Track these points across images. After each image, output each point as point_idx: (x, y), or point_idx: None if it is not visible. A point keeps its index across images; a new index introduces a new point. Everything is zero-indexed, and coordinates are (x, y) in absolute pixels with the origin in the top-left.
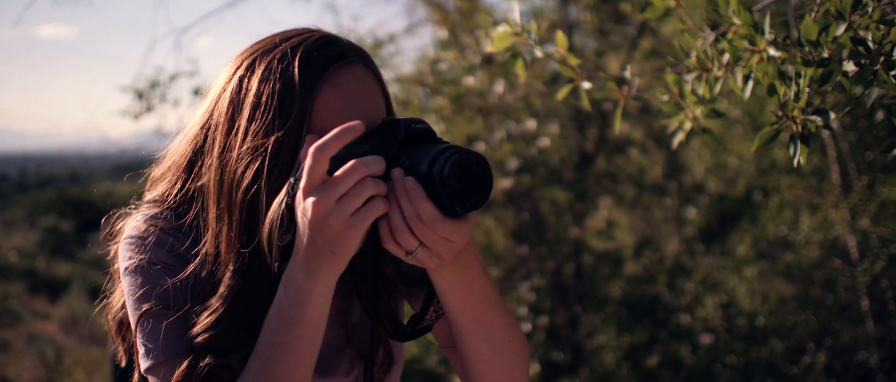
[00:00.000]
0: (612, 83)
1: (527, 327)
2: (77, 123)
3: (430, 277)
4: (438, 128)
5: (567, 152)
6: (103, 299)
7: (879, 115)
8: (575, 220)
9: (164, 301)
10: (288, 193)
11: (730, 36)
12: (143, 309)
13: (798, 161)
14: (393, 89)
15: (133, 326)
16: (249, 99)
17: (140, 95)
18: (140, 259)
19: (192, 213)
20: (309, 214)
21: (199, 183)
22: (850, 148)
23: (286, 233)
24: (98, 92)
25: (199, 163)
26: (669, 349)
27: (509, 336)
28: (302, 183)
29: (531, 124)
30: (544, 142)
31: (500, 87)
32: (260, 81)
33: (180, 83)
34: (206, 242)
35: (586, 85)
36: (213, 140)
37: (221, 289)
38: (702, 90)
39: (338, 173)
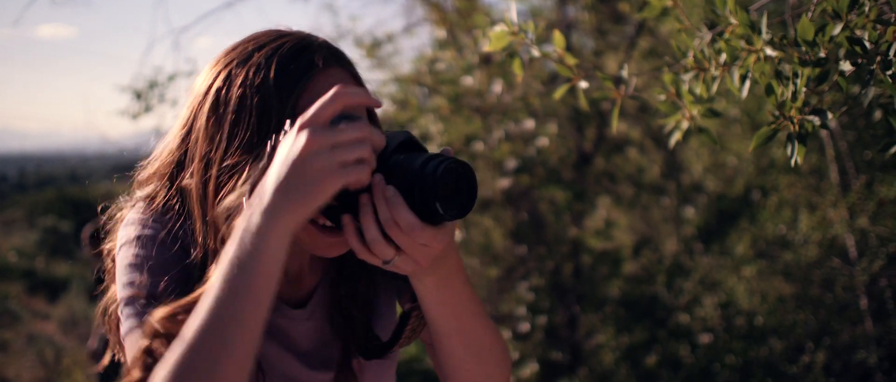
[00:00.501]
0: (609, 82)
1: (525, 326)
2: (76, 123)
3: (413, 285)
4: (437, 128)
5: (566, 152)
6: (101, 294)
7: (877, 114)
8: (573, 220)
9: (154, 295)
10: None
11: (727, 35)
12: (131, 294)
13: (795, 161)
14: (391, 89)
15: (119, 307)
16: (228, 116)
17: (138, 96)
18: (135, 254)
19: (178, 220)
20: (297, 148)
21: (182, 190)
22: (848, 147)
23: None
24: (97, 92)
25: (182, 175)
26: (668, 348)
27: (491, 344)
28: (307, 115)
29: (529, 124)
30: (543, 142)
31: (498, 86)
32: (238, 97)
33: (179, 83)
34: (195, 252)
35: (584, 84)
36: (194, 154)
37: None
38: (699, 90)
39: (343, 124)
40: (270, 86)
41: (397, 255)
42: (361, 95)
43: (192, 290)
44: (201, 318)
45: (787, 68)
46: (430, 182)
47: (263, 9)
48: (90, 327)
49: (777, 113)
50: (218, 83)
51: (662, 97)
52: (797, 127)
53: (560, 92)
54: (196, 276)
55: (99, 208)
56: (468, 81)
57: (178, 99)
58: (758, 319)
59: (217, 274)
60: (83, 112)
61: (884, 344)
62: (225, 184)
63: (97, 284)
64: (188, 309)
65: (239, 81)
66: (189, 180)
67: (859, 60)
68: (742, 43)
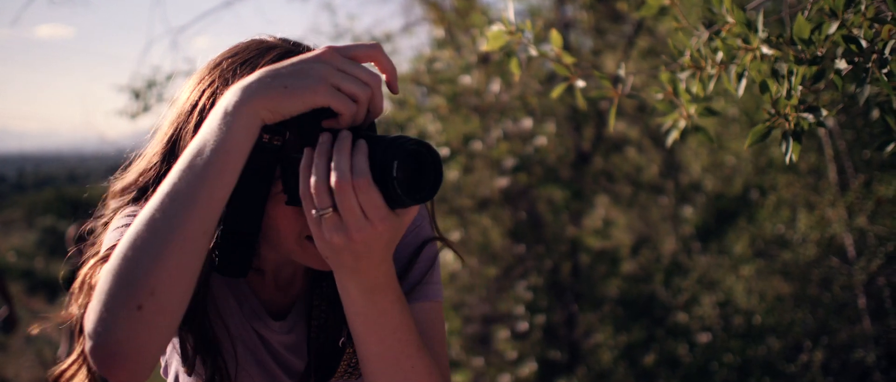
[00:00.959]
0: (606, 82)
1: (523, 326)
2: (75, 123)
3: (339, 292)
4: (435, 127)
5: (564, 151)
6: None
7: (875, 113)
8: (572, 219)
9: None
10: None
11: (724, 34)
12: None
13: (791, 158)
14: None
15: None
16: None
17: (137, 95)
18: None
19: None
20: (311, 53)
21: None
22: (847, 146)
23: None
24: (96, 92)
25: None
26: (666, 347)
27: (417, 379)
28: (339, 44)
29: (528, 123)
30: (541, 141)
31: (496, 86)
32: None
33: (177, 83)
34: None
35: (581, 84)
36: None
37: None
38: (696, 88)
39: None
40: None
41: (330, 211)
42: (390, 68)
43: None
44: (155, 199)
45: (783, 67)
46: (393, 160)
47: (262, 8)
48: None
49: (772, 111)
50: (203, 101)
51: (660, 96)
52: (792, 125)
53: (557, 91)
54: None
55: (91, 212)
56: (466, 80)
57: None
58: (756, 318)
59: (179, 161)
60: (81, 112)
61: (882, 343)
62: None
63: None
64: None
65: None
66: None
67: (855, 59)
68: (739, 42)
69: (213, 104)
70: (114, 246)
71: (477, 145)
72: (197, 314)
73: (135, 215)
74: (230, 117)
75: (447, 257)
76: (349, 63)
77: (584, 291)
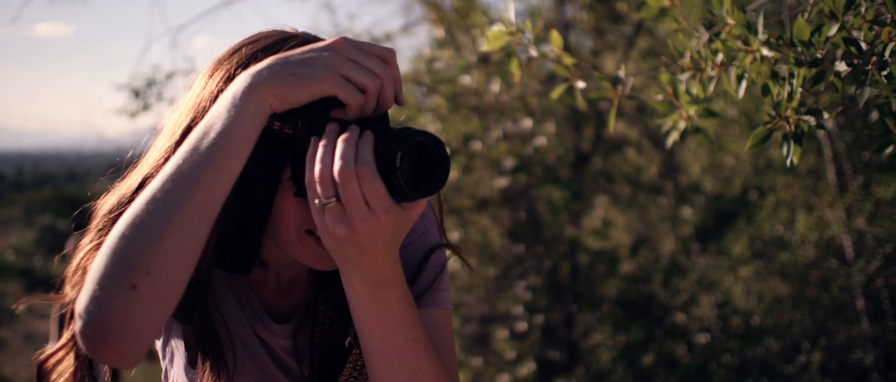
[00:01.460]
0: (606, 82)
1: (522, 326)
2: (74, 121)
3: (344, 287)
4: (434, 127)
5: (563, 151)
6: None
7: (874, 115)
8: (571, 219)
9: None
10: None
11: (724, 36)
12: None
13: (791, 161)
14: None
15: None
16: None
17: (137, 94)
18: None
19: None
20: (323, 43)
21: None
22: (845, 148)
23: None
24: (95, 91)
25: None
26: (665, 348)
27: (424, 379)
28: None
29: (527, 124)
30: (540, 141)
31: (496, 86)
32: None
33: (177, 81)
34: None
35: (581, 84)
36: None
37: None
38: (696, 90)
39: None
40: None
41: (333, 201)
42: (398, 79)
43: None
44: (157, 180)
45: (783, 69)
46: (397, 150)
47: (261, 7)
48: None
49: (773, 113)
50: (220, 86)
51: (660, 97)
52: (793, 127)
53: (557, 92)
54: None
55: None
56: (466, 80)
57: (176, 97)
58: (754, 319)
59: (185, 141)
60: (80, 111)
61: (880, 344)
62: None
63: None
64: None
65: None
66: None
67: (855, 61)
68: (739, 43)
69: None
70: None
71: (476, 145)
72: (197, 308)
73: None
74: (238, 102)
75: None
76: (360, 53)
77: (582, 291)
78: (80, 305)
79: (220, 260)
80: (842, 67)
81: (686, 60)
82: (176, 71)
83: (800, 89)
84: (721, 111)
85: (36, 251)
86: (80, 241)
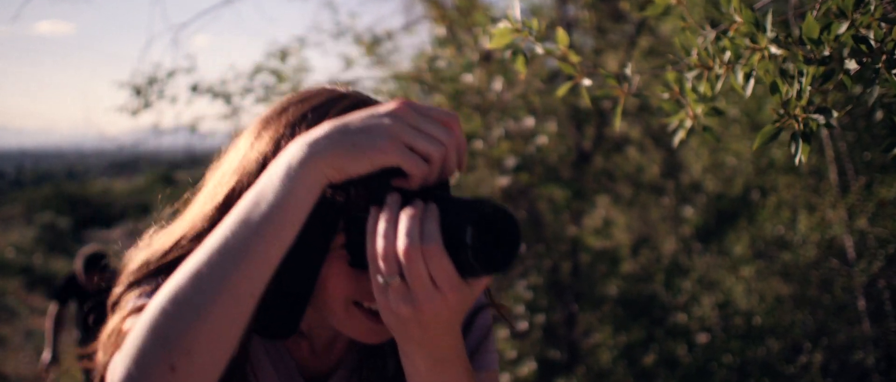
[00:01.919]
0: (612, 80)
1: (523, 325)
2: (74, 119)
3: (403, 365)
4: None
5: (565, 151)
6: (93, 332)
7: (879, 114)
8: (572, 218)
9: None
10: None
11: (731, 33)
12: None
13: (799, 160)
14: (391, 86)
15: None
16: None
17: (138, 92)
18: None
19: None
20: (383, 108)
21: None
22: (847, 148)
23: None
24: (95, 89)
25: None
26: (666, 347)
27: None
28: (413, 101)
29: (529, 122)
30: (542, 140)
31: (498, 84)
32: None
33: (178, 80)
34: None
35: (587, 82)
36: None
37: None
38: (703, 88)
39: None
40: None
41: (397, 279)
42: (463, 145)
43: None
44: (201, 251)
45: (790, 67)
46: (467, 225)
47: (262, 6)
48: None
49: (781, 111)
50: (268, 148)
51: (666, 96)
52: (802, 126)
53: (563, 90)
54: None
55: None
56: (468, 78)
57: (177, 96)
58: (756, 319)
59: (233, 210)
60: (81, 109)
61: (881, 345)
62: None
63: (91, 325)
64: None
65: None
66: None
67: (864, 59)
68: (747, 41)
69: (276, 152)
70: (141, 290)
71: (478, 144)
72: (235, 376)
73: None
74: (293, 172)
75: None
76: (423, 120)
77: (583, 290)
78: (115, 378)
79: (260, 327)
80: (851, 65)
81: (693, 58)
82: (177, 69)
83: (809, 88)
84: (723, 110)
85: (36, 248)
86: (94, 254)
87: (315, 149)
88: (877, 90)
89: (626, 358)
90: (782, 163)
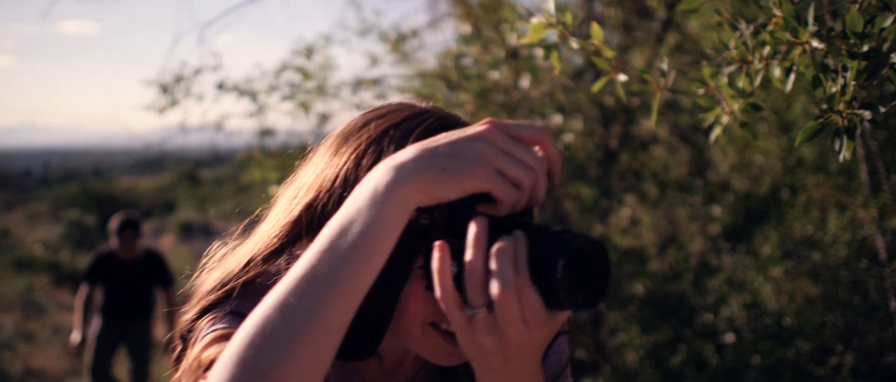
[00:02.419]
0: (649, 76)
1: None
2: (100, 118)
3: None
4: None
5: (593, 148)
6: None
7: None
8: (599, 217)
9: None
10: None
11: (771, 27)
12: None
13: (844, 156)
14: (416, 84)
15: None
16: None
17: (165, 90)
18: None
19: None
20: (472, 129)
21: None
22: (878, 146)
23: None
24: (121, 88)
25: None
26: (693, 348)
27: None
28: (502, 121)
29: (557, 120)
30: (568, 138)
31: (525, 81)
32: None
33: (204, 78)
34: None
35: (622, 78)
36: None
37: None
38: (741, 83)
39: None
40: None
41: (484, 311)
42: (556, 157)
43: None
44: (288, 281)
45: (831, 62)
46: (558, 259)
47: (288, 3)
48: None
49: (825, 107)
50: (349, 165)
51: (701, 91)
52: (845, 122)
53: (598, 85)
54: None
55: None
56: (494, 75)
57: (204, 94)
58: (785, 319)
59: (318, 237)
60: (107, 108)
61: None
62: None
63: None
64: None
65: (371, 162)
66: None
67: None
68: (787, 35)
69: (357, 169)
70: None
71: None
72: None
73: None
74: (381, 198)
75: None
76: (513, 144)
77: (609, 290)
78: None
79: (339, 350)
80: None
81: (733, 53)
82: (203, 67)
83: (853, 83)
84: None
85: (63, 245)
86: (122, 226)
87: (402, 173)
88: None
89: (652, 358)
90: (811, 161)
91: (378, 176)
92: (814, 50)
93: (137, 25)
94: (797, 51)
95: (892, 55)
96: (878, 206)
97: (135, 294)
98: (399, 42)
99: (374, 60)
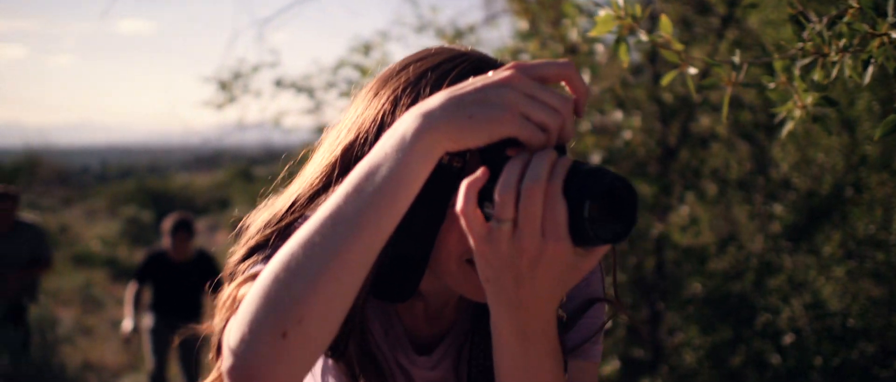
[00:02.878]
0: (720, 69)
1: (607, 323)
2: (156, 115)
3: (492, 334)
4: None
5: (653, 145)
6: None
7: None
8: (658, 215)
9: None
10: None
11: (848, 18)
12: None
13: None
14: None
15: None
16: None
17: (223, 86)
18: None
19: None
20: (496, 76)
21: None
22: None
23: None
24: (178, 86)
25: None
26: (754, 348)
27: None
28: (526, 63)
29: (617, 116)
30: (628, 135)
31: (585, 77)
32: None
33: (262, 74)
34: None
35: (693, 71)
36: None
37: None
38: (817, 76)
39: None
40: None
41: (509, 224)
42: (583, 89)
43: None
44: (314, 220)
45: None
46: (586, 200)
47: (346, 1)
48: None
49: None
50: (386, 107)
51: (772, 85)
52: None
53: (668, 78)
54: None
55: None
56: None
57: (262, 90)
58: (849, 321)
59: (347, 179)
60: (164, 105)
61: None
62: None
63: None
64: None
65: (408, 103)
66: None
67: None
68: (865, 26)
69: (394, 111)
70: (259, 253)
71: None
72: (351, 340)
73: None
74: (407, 144)
75: None
76: (538, 87)
77: (668, 289)
78: (230, 343)
79: (378, 291)
80: None
81: (808, 45)
82: (261, 64)
83: None
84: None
85: (120, 241)
86: (176, 227)
87: (430, 120)
88: None
89: (711, 359)
90: (874, 159)
91: (406, 123)
92: (893, 41)
93: (193, 24)
94: (875, 43)
95: None
96: None
97: (183, 295)
98: (455, 38)
99: None
